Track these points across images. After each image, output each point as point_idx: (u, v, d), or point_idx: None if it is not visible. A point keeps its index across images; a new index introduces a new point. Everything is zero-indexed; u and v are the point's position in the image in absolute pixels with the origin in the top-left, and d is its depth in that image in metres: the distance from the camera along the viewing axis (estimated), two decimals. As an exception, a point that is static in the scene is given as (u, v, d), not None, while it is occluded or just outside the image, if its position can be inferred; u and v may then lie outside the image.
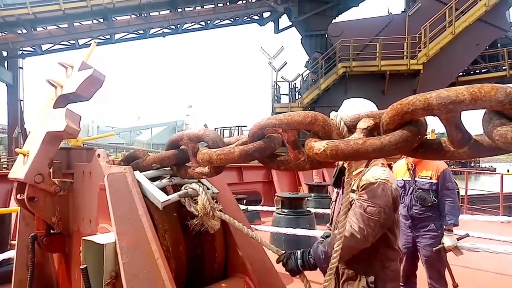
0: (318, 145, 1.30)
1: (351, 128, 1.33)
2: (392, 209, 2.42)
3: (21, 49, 24.38)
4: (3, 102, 26.21)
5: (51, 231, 2.14)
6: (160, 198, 1.83)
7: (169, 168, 2.05)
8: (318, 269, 2.27)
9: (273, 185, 12.08)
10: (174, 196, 1.91)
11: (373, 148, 1.17)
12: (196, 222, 1.90)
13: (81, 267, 1.69)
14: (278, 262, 2.23)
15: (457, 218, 4.19)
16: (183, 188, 1.98)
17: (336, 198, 2.82)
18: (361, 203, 2.40)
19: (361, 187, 2.47)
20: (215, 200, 1.97)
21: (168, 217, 1.90)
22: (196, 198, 1.93)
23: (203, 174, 1.84)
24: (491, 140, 1.04)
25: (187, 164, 1.96)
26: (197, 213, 1.89)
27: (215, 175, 1.84)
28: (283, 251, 2.24)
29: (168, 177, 2.04)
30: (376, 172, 2.50)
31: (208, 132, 1.79)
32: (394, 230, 2.57)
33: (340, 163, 2.68)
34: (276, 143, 1.56)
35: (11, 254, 4.65)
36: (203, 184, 2.00)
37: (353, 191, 2.55)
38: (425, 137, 1.22)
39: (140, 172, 1.96)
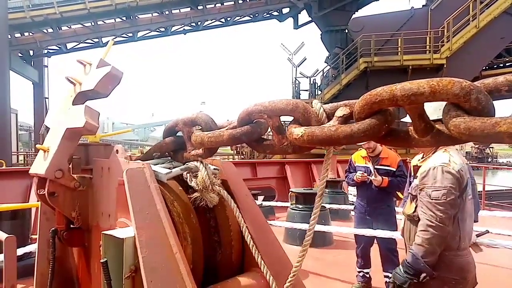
0: (296, 131, 1.38)
1: (330, 116, 1.40)
2: (458, 188, 2.44)
3: (47, 48, 24.91)
4: (28, 100, 26.84)
5: (71, 226, 2.17)
6: (163, 172, 1.90)
7: (169, 157, 2.12)
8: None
9: (287, 181, 11.99)
10: (176, 170, 1.97)
11: (344, 134, 1.25)
12: (196, 196, 1.95)
13: (101, 260, 1.71)
14: None
15: (476, 214, 4.12)
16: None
17: None
18: (425, 191, 2.48)
19: (422, 173, 2.56)
20: (214, 175, 2.02)
21: (174, 189, 1.95)
22: (197, 173, 1.98)
23: (198, 156, 1.92)
24: (448, 130, 1.11)
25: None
26: (196, 187, 1.95)
27: (209, 156, 1.92)
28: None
29: (168, 161, 2.10)
30: (437, 158, 2.56)
31: (201, 115, 1.84)
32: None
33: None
34: (262, 128, 1.63)
35: (32, 248, 4.76)
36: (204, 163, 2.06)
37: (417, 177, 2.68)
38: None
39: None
